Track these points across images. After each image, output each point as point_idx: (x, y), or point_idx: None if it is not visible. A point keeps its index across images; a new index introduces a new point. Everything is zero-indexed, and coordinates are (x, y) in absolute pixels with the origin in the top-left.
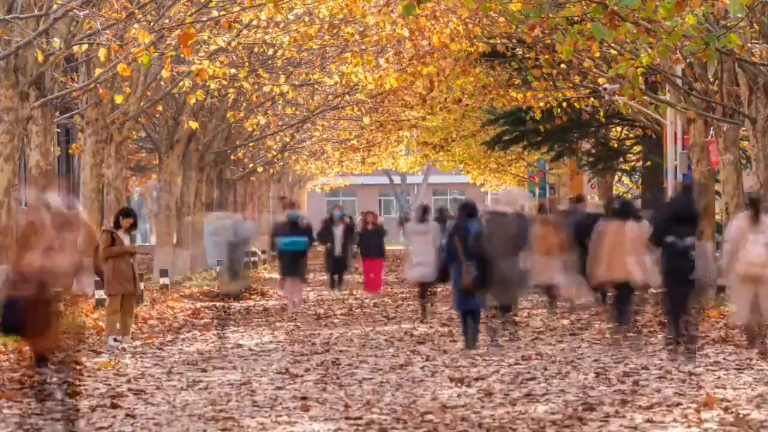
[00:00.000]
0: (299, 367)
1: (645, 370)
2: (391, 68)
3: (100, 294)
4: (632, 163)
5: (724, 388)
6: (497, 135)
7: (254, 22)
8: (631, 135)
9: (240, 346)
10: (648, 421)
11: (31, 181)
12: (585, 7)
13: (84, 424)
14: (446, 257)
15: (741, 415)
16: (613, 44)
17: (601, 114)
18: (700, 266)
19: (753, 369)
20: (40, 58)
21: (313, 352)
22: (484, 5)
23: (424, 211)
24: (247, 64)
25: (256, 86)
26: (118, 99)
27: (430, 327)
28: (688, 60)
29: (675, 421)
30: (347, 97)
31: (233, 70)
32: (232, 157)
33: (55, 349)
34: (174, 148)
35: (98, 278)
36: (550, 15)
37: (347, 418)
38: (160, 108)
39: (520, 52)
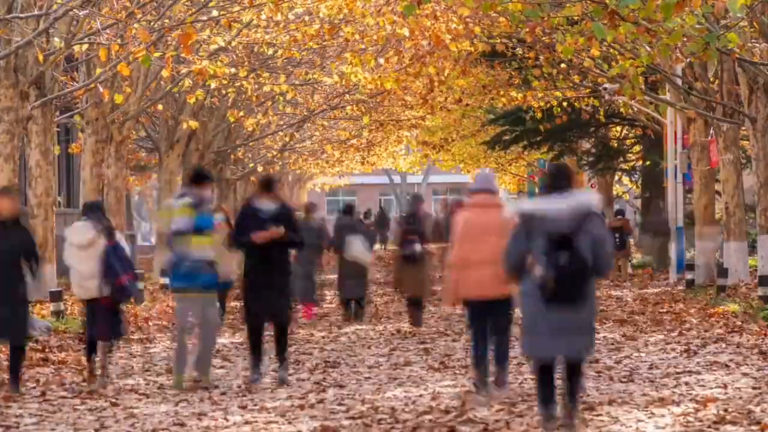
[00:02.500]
0: (299, 366)
1: (646, 369)
2: (391, 68)
3: None
4: (632, 163)
5: (725, 388)
6: (497, 135)
7: (254, 22)
8: (631, 135)
9: (240, 345)
10: (647, 420)
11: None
12: (585, 7)
13: (85, 424)
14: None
15: (741, 415)
16: (613, 44)
17: (601, 114)
18: None
19: (753, 368)
20: (40, 57)
21: (313, 352)
22: (485, 5)
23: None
24: (247, 63)
25: (257, 86)
26: (118, 99)
27: (431, 327)
28: (688, 59)
29: (675, 420)
30: (347, 97)
31: (233, 70)
32: (232, 157)
33: None
34: (174, 148)
35: None
36: (550, 15)
37: (347, 418)
38: (160, 107)
39: (520, 52)
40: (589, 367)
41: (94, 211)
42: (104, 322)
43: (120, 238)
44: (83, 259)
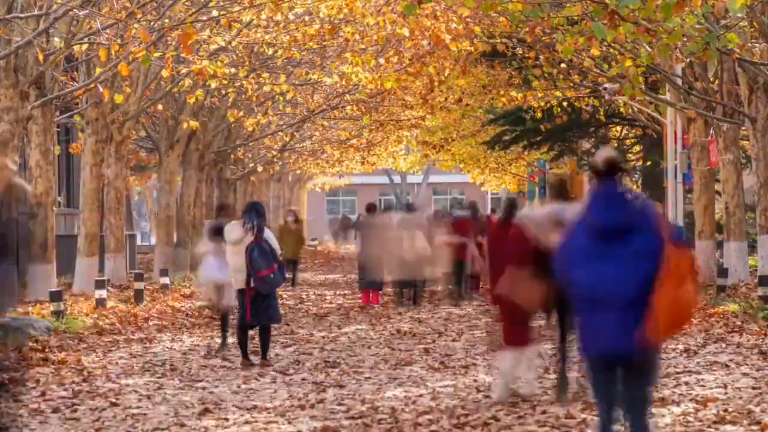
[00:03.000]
0: (299, 367)
1: None
2: (391, 68)
3: (100, 294)
4: (632, 163)
5: (725, 388)
6: (497, 134)
7: (254, 21)
8: (631, 135)
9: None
10: None
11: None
12: (585, 7)
13: (85, 424)
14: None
15: (741, 415)
16: (613, 44)
17: (601, 113)
18: None
19: (753, 369)
20: (40, 57)
21: (313, 352)
22: (485, 5)
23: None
24: (247, 63)
25: (257, 86)
26: (118, 99)
27: (430, 326)
28: (688, 59)
29: (675, 420)
30: (347, 97)
31: (233, 70)
32: (232, 157)
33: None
34: (174, 148)
35: None
36: (550, 15)
37: (347, 418)
38: (160, 107)
39: (520, 52)
40: None
41: (248, 211)
42: (254, 309)
43: (268, 236)
44: (234, 254)
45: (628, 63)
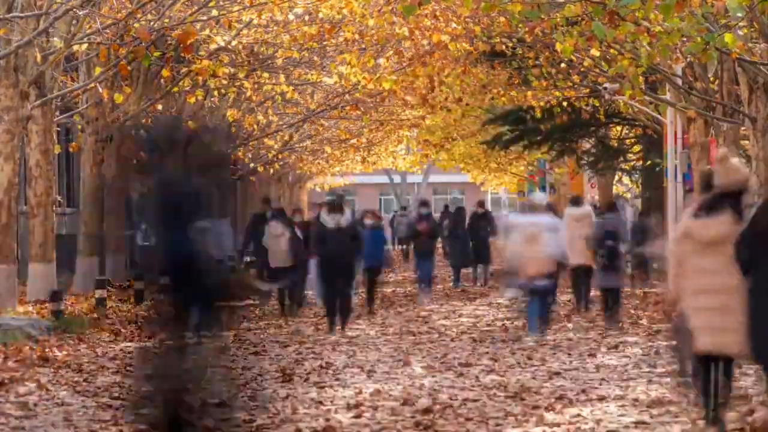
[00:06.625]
0: (300, 367)
1: (650, 367)
2: (390, 68)
3: (100, 293)
4: (632, 163)
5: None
6: (497, 134)
7: (254, 21)
8: (631, 134)
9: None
10: (648, 420)
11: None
12: (584, 7)
13: (87, 423)
14: None
15: (741, 415)
16: (613, 44)
17: (601, 113)
18: None
19: (752, 368)
20: (38, 58)
21: (312, 351)
22: (485, 5)
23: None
24: (246, 63)
25: (257, 86)
26: (118, 98)
27: (429, 326)
28: (688, 59)
29: (675, 418)
30: (347, 97)
31: (233, 70)
32: (232, 157)
33: None
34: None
35: None
36: (550, 15)
37: (347, 417)
38: (160, 107)
39: (520, 52)
40: (589, 365)
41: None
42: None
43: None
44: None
45: (626, 63)
